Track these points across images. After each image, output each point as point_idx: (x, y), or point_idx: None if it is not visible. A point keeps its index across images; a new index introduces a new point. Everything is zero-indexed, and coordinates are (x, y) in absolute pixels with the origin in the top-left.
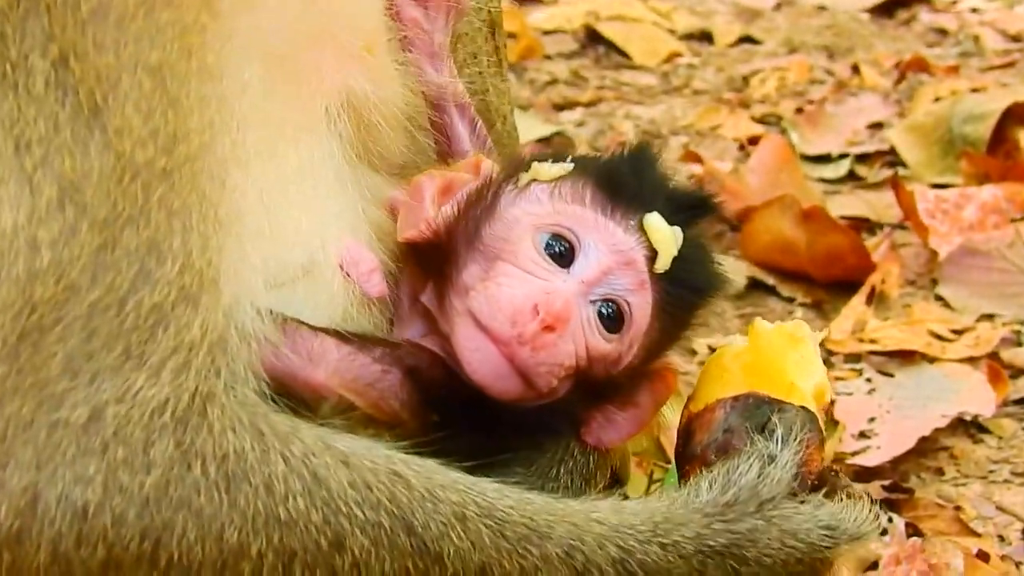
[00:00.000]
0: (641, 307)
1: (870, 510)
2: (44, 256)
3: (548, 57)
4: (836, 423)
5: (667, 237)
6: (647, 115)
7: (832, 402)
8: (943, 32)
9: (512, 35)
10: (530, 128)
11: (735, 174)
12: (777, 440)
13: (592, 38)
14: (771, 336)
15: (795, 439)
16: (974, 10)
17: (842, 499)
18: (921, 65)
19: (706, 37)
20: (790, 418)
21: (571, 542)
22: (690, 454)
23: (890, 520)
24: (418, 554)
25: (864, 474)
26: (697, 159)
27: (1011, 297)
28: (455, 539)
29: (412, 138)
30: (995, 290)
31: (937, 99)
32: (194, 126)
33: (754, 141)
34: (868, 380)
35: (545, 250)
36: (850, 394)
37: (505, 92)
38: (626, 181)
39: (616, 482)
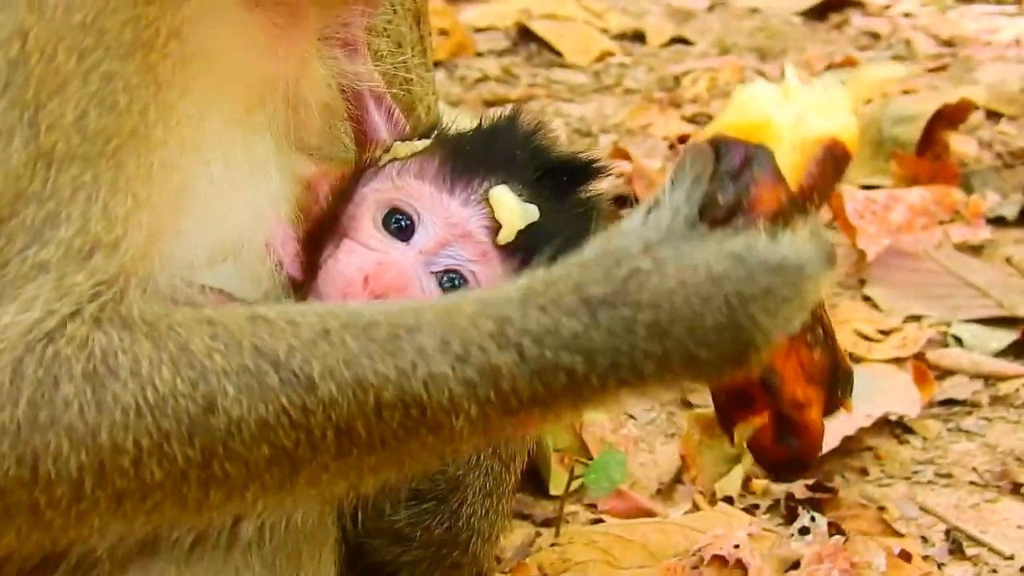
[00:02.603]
0: (487, 276)
1: (810, 240)
2: None
3: (480, 54)
4: None
5: (511, 209)
6: (578, 113)
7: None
8: (875, 36)
9: (444, 32)
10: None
11: (665, 172)
12: (668, 184)
13: (524, 36)
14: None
15: (692, 177)
16: (906, 14)
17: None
18: (853, 67)
19: (638, 37)
20: (696, 156)
21: (443, 328)
22: None
23: (813, 519)
24: (290, 387)
25: None
26: (627, 156)
27: (938, 299)
28: (321, 357)
29: (331, 126)
30: (922, 291)
31: (867, 101)
32: (127, 124)
33: (684, 140)
34: None
35: (385, 225)
36: None
37: (430, 81)
38: (473, 154)
39: (532, 479)
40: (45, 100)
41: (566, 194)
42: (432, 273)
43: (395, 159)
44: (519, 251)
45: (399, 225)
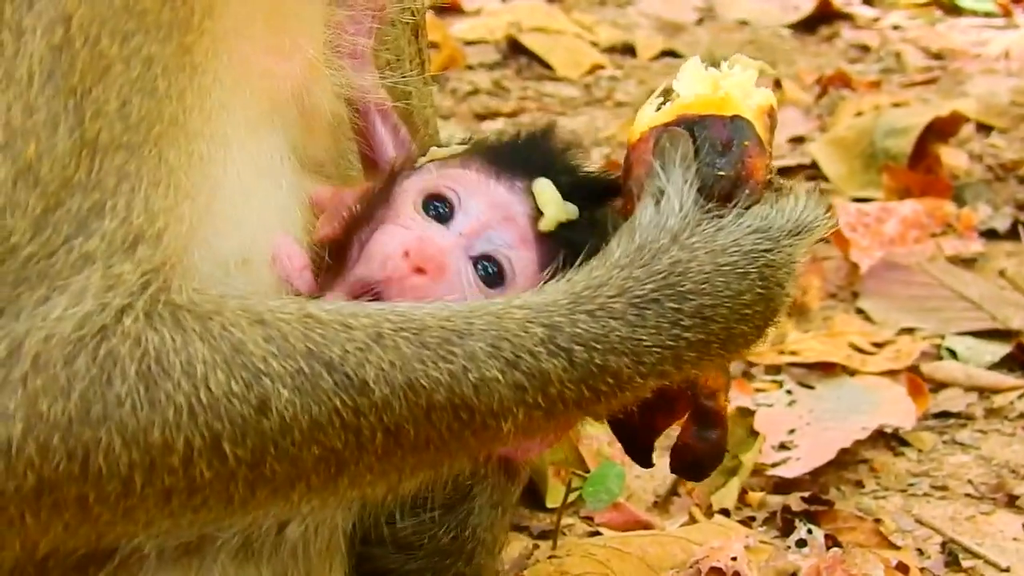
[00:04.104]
0: (523, 263)
1: (809, 199)
2: None
3: (470, 67)
4: (756, 434)
5: (554, 201)
6: (569, 126)
7: (772, 110)
8: (865, 48)
9: (434, 45)
10: (451, 138)
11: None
12: (658, 172)
13: (514, 49)
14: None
15: (679, 160)
16: (896, 27)
17: (775, 198)
18: (843, 80)
19: (628, 50)
20: (673, 139)
21: (494, 332)
22: (626, 192)
23: (809, 532)
24: (342, 389)
25: (784, 485)
26: (619, 169)
27: (931, 311)
28: (375, 361)
29: (337, 141)
30: (916, 304)
31: (859, 114)
32: (167, 110)
33: None
34: (788, 392)
35: (425, 210)
36: (770, 405)
37: (428, 96)
38: (516, 150)
39: (528, 491)
40: (90, 86)
41: (595, 206)
42: (470, 258)
43: (433, 160)
44: (554, 246)
45: (437, 211)
